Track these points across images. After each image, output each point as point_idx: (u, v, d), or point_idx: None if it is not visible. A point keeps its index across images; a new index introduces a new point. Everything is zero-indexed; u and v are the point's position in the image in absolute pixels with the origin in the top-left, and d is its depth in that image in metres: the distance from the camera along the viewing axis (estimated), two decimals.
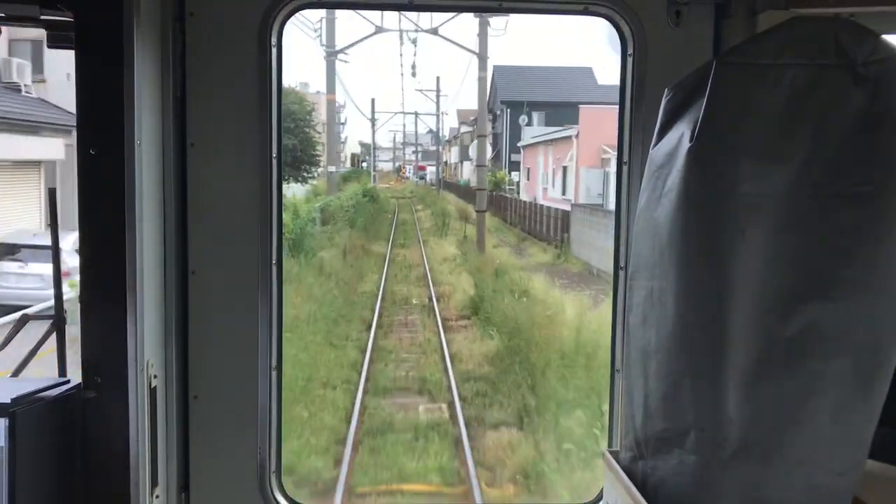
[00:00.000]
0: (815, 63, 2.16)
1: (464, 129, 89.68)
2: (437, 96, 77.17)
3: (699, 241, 2.22)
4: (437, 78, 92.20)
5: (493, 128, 69.91)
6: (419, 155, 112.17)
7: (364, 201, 46.67)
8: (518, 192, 57.64)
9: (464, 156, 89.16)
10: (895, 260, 2.15)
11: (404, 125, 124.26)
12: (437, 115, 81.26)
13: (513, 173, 62.45)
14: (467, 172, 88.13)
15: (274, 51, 3.01)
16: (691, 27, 3.00)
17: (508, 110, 64.16)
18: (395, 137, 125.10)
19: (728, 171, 2.17)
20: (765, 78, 2.17)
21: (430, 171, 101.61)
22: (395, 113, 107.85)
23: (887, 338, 2.19)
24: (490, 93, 72.33)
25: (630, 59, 3.06)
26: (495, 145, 68.48)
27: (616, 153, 3.22)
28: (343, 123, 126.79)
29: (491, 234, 38.18)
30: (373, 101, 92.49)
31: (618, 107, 3.16)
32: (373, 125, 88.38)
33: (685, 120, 2.29)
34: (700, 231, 2.21)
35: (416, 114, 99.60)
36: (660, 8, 3.00)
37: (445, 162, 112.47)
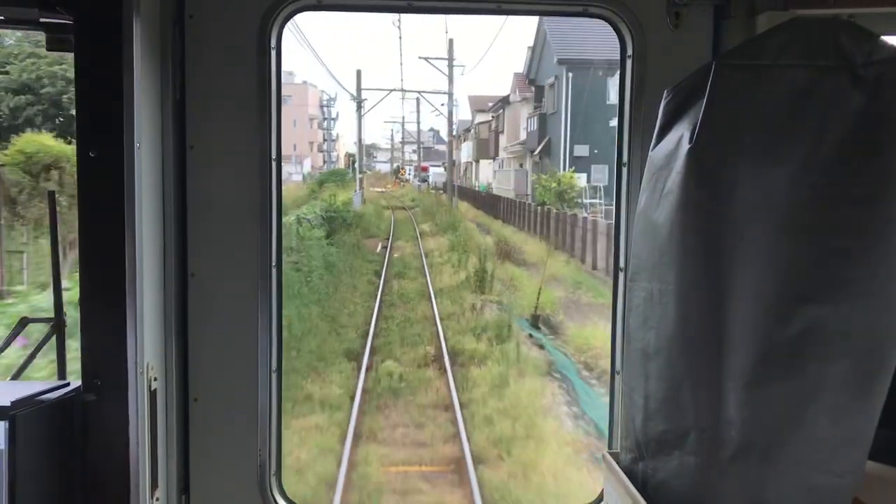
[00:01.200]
0: (814, 64, 2.16)
1: (480, 118, 72.47)
2: (450, 66, 53.92)
3: (699, 243, 2.22)
4: (450, 41, 66.33)
5: (537, 105, 50.48)
6: (421, 153, 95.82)
7: (319, 238, 26.19)
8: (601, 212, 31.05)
9: (481, 153, 71.93)
10: (895, 261, 2.16)
11: (403, 117, 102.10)
12: (449, 94, 56.68)
13: (578, 175, 38.33)
14: (485, 174, 72.04)
15: (273, 53, 3.01)
16: (690, 28, 3.00)
17: (570, 74, 41.83)
18: (392, 134, 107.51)
19: (727, 172, 2.17)
20: (764, 79, 2.17)
21: (434, 171, 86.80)
22: (391, 90, 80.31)
23: (887, 339, 2.19)
24: (533, 54, 51.33)
25: (629, 61, 3.06)
26: (542, 131, 47.16)
27: (617, 153, 3.22)
28: (334, 119, 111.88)
29: (561, 285, 20.72)
30: (358, 73, 65.41)
31: (617, 108, 3.16)
32: (359, 107, 63.67)
33: (684, 121, 2.29)
34: (699, 232, 2.21)
35: (420, 94, 77.83)
36: (659, 9, 3.00)
37: (453, 162, 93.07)
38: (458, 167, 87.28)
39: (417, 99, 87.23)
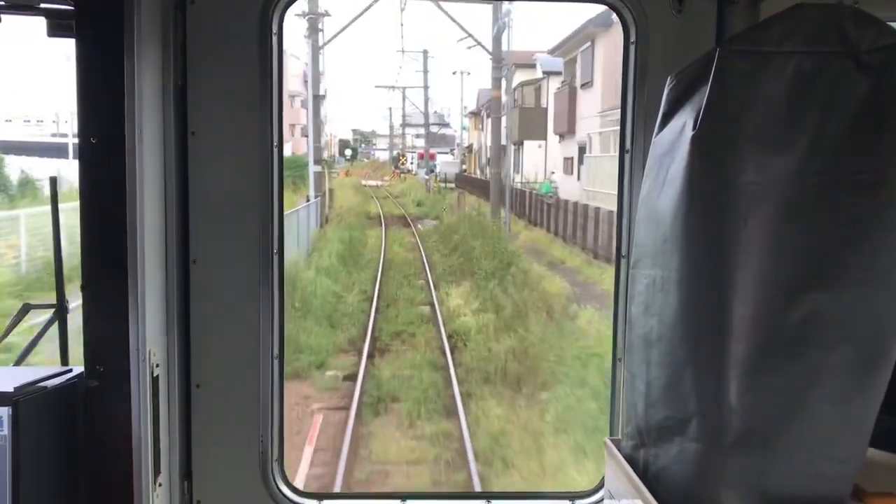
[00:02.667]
0: (818, 50, 2.15)
1: (520, 77, 44.90)
2: None
3: (702, 230, 2.21)
4: None
5: None
6: (429, 133, 69.80)
7: None
8: None
9: (528, 130, 44.15)
10: None
11: (404, 93, 71.17)
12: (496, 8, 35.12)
13: None
14: (532, 163, 45.68)
15: (275, 39, 3.00)
16: (694, 14, 2.99)
17: None
18: (390, 113, 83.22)
19: (731, 159, 2.16)
20: (768, 65, 2.16)
21: (441, 160, 67.47)
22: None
23: (889, 326, 2.19)
24: None
25: (633, 47, 3.05)
26: None
27: (620, 140, 3.20)
28: (322, 96, 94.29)
29: None
30: None
31: (620, 94, 3.15)
32: (314, 29, 36.58)
33: (688, 108, 2.28)
34: (702, 219, 2.21)
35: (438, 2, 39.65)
36: None
37: (469, 147, 67.84)
38: (476, 154, 63.13)
39: (425, 51, 58.66)
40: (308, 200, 28.81)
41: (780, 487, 2.23)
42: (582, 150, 38.06)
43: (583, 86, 38.17)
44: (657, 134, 2.41)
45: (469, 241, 23.98)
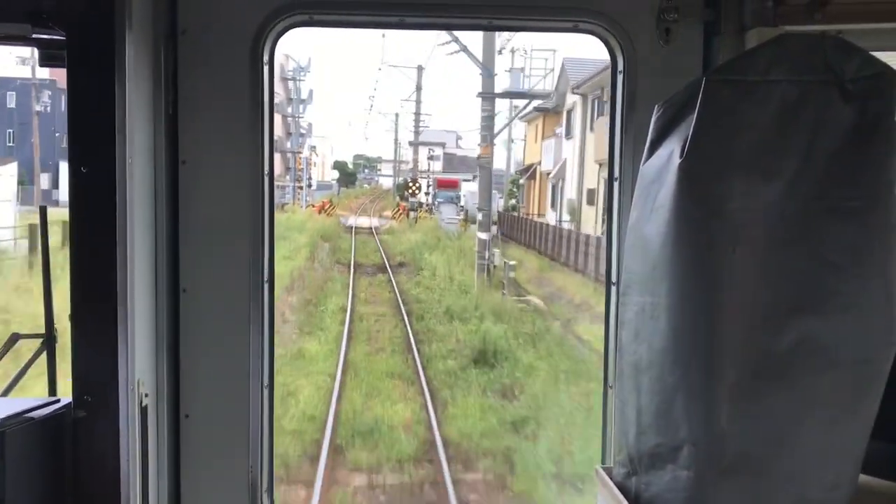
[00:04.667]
0: (803, 79, 2.18)
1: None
2: None
3: (690, 257, 2.22)
4: None
5: None
6: (443, 155, 49.83)
7: None
8: None
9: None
10: (886, 273, 2.17)
11: (419, 69, 49.64)
12: None
13: None
14: None
15: (266, 68, 3.02)
16: (681, 44, 3.02)
17: None
18: (396, 120, 62.69)
19: (718, 187, 2.18)
20: (754, 94, 2.19)
21: (468, 189, 45.02)
22: None
23: (879, 351, 2.19)
24: None
25: (620, 77, 3.08)
26: None
27: (609, 168, 3.22)
28: (304, 101, 67.37)
29: None
30: None
31: (608, 123, 3.17)
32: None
33: (675, 136, 2.30)
34: (691, 247, 2.22)
35: None
36: (649, 25, 3.02)
37: (528, 170, 43.46)
38: (550, 184, 37.78)
39: None
40: None
41: None
42: None
43: None
44: (645, 162, 2.42)
45: None
